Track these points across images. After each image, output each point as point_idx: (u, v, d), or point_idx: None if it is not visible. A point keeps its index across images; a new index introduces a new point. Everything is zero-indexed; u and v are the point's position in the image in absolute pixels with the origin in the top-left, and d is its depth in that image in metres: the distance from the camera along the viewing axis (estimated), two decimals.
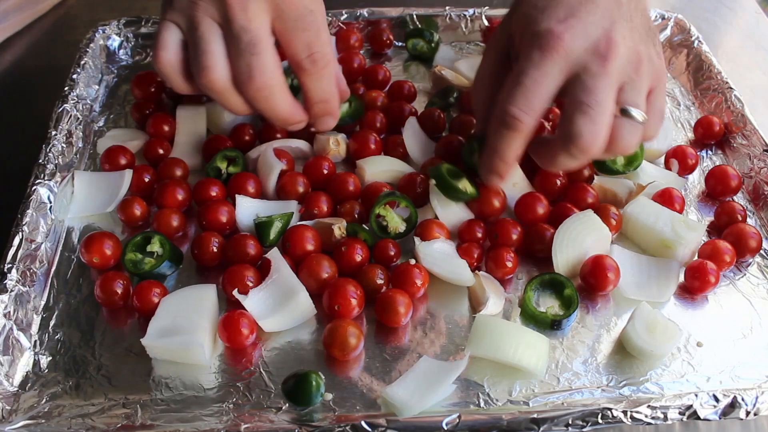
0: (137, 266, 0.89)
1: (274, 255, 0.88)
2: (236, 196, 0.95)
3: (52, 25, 1.35)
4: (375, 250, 0.91)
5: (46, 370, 0.82)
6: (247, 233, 0.92)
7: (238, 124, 1.07)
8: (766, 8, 1.42)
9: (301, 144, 1.05)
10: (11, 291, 0.84)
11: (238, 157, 1.01)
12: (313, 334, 0.86)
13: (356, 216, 0.95)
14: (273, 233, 0.91)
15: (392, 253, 0.91)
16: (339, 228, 0.92)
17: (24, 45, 1.28)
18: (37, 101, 1.19)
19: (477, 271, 0.90)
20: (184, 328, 0.82)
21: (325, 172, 1.00)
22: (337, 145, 1.02)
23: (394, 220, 0.93)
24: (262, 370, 0.82)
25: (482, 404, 0.79)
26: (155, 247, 0.90)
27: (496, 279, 0.90)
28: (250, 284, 0.85)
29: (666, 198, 0.97)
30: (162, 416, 0.77)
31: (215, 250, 0.91)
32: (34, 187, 0.94)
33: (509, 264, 0.90)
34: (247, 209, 0.95)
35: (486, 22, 1.26)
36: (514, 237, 0.92)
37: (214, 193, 0.97)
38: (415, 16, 1.25)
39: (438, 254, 0.89)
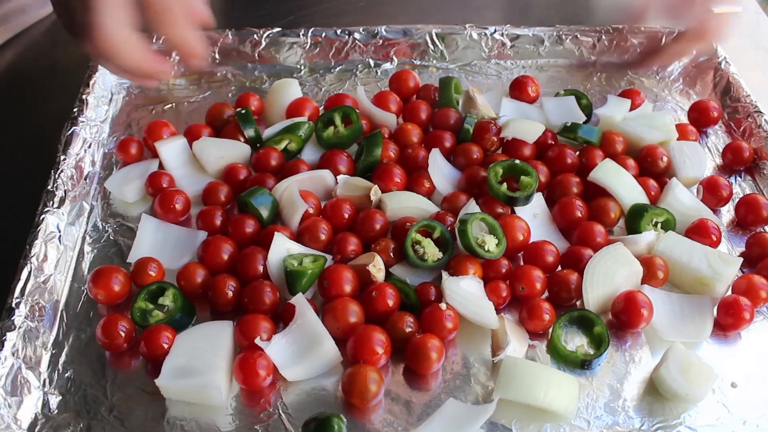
0: (144, 317, 0.85)
1: (299, 300, 0.83)
2: (275, 233, 0.90)
3: (49, 30, 1.31)
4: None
5: (56, 411, 0.78)
6: (264, 280, 0.87)
7: (228, 165, 1.02)
8: (766, 8, 1.40)
9: (325, 174, 1.00)
10: (19, 327, 0.81)
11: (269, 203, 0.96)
12: (335, 374, 0.82)
13: (391, 254, 0.90)
14: (305, 282, 0.86)
15: (433, 298, 0.87)
16: (378, 269, 0.88)
17: (24, 46, 1.25)
18: (42, 106, 1.16)
19: (501, 314, 0.86)
20: (200, 369, 0.78)
21: (346, 216, 0.95)
22: (375, 195, 0.97)
23: (431, 246, 0.89)
24: (281, 411, 0.78)
25: None
26: (167, 300, 0.85)
27: (529, 330, 0.86)
28: (264, 337, 0.81)
29: (701, 230, 0.93)
30: None
31: (230, 294, 0.86)
32: (43, 216, 0.91)
33: (547, 317, 0.85)
34: (281, 252, 0.89)
35: (508, 42, 1.23)
36: (539, 286, 0.88)
37: (249, 230, 0.93)
38: (434, 35, 1.22)
39: (464, 293, 0.85)
